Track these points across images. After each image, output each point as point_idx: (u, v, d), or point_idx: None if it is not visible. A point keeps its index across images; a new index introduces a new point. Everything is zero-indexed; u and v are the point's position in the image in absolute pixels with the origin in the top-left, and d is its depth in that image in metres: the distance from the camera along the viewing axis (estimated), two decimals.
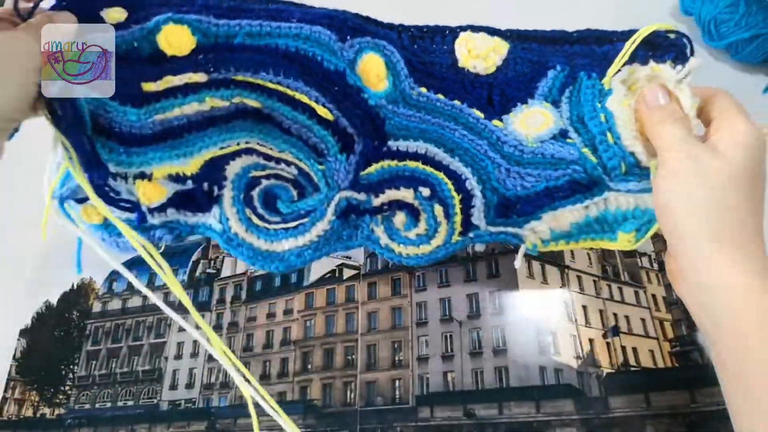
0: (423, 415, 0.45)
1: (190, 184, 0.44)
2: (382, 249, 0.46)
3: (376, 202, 0.46)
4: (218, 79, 0.42)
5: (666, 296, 0.48)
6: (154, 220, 0.43)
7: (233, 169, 0.45)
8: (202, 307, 0.51)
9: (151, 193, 0.43)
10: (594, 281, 0.49)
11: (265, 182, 0.47)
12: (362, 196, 0.46)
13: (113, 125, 0.41)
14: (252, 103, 0.43)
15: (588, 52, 0.46)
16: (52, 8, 0.42)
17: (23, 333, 0.49)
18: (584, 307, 0.48)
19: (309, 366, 0.48)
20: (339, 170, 0.46)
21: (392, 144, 0.46)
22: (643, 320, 0.47)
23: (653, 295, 0.48)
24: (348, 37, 0.44)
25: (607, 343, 0.46)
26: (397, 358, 0.47)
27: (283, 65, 0.43)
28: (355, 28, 0.45)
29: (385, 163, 0.47)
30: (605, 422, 0.43)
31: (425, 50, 0.46)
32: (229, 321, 0.50)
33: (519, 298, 0.49)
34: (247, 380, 0.43)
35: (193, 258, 0.52)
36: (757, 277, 0.31)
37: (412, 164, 0.47)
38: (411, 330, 0.48)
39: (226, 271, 0.52)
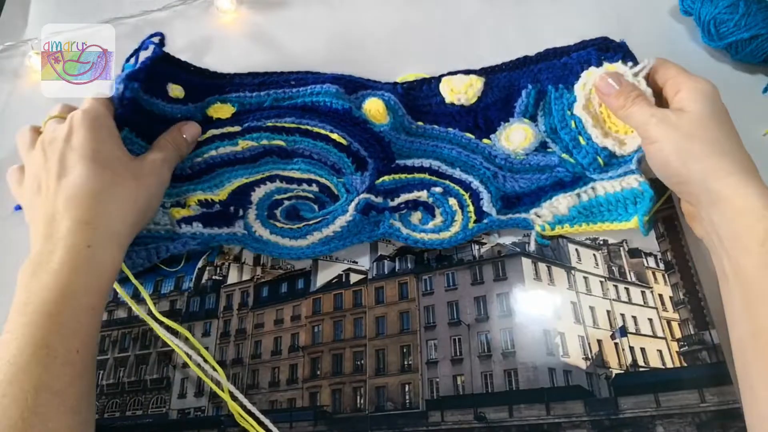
0: (433, 420, 0.45)
1: (217, 208, 0.52)
2: (404, 237, 0.51)
3: (393, 203, 0.52)
4: (250, 126, 0.52)
5: (673, 296, 0.48)
6: (182, 230, 0.50)
7: (258, 194, 0.53)
8: (209, 314, 0.51)
9: (182, 214, 0.51)
10: (600, 282, 0.50)
11: (287, 203, 0.54)
12: (379, 199, 0.51)
13: None
14: (277, 142, 0.52)
15: (550, 65, 0.52)
16: (126, 78, 0.52)
17: None
18: (592, 308, 0.48)
19: (318, 372, 0.48)
20: (356, 182, 0.52)
21: (400, 161, 0.53)
22: (650, 320, 0.47)
23: (660, 295, 0.49)
24: (353, 91, 0.53)
25: (615, 344, 0.47)
26: (406, 363, 0.48)
27: (302, 114, 0.52)
28: (359, 86, 0.54)
29: (396, 176, 0.53)
30: (615, 423, 0.43)
31: (417, 97, 0.55)
32: (237, 328, 0.50)
33: (526, 300, 0.49)
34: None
35: (199, 265, 0.52)
36: (756, 198, 0.38)
37: (419, 175, 0.53)
38: (419, 334, 0.49)
39: (232, 278, 0.52)
